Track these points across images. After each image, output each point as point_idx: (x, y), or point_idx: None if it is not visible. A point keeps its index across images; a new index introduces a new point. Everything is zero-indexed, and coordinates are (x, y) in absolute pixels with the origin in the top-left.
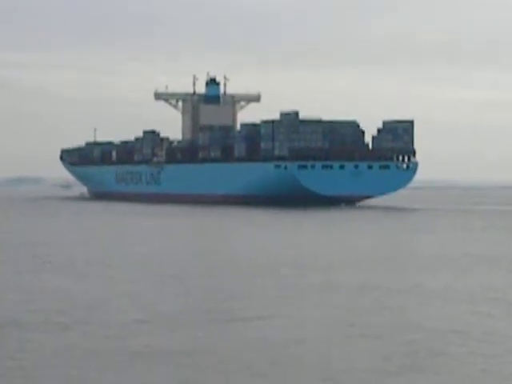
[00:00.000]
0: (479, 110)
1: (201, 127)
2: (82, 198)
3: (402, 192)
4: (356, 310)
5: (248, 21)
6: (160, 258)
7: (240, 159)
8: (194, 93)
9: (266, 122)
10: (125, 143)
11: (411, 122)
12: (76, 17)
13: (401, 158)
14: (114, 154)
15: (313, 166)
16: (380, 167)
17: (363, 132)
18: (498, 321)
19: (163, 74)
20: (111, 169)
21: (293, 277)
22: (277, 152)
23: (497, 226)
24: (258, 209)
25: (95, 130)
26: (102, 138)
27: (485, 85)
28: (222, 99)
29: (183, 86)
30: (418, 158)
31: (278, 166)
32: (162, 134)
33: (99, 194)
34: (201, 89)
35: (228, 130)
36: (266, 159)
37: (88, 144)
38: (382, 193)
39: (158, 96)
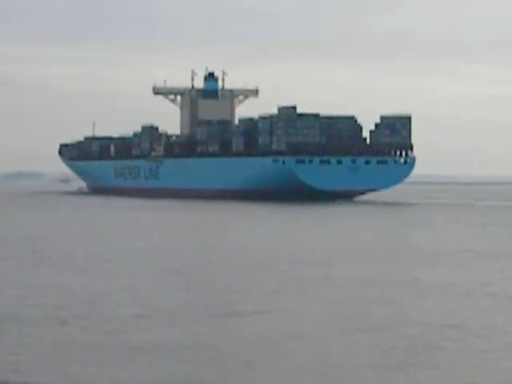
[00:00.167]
0: (480, 105)
1: (199, 122)
2: (80, 192)
3: (400, 187)
4: (354, 305)
5: (247, 17)
6: (159, 253)
7: (238, 154)
8: (193, 87)
9: (263, 117)
10: (123, 138)
11: (409, 117)
12: (76, 11)
13: (398, 152)
14: (112, 148)
15: (310, 161)
16: (378, 162)
17: (361, 127)
18: (496, 315)
19: (162, 69)
20: (110, 163)
21: (291, 271)
22: (275, 147)
23: (496, 222)
24: (255, 203)
25: (94, 124)
26: (101, 132)
27: (486, 80)
28: (220, 94)
29: (182, 80)
30: (419, 153)
31: (275, 161)
32: (161, 129)
33: (98, 189)
34: (199, 83)
35: (226, 124)
36: (263, 154)
37: (87, 139)
38: (380, 188)
39: (157, 91)
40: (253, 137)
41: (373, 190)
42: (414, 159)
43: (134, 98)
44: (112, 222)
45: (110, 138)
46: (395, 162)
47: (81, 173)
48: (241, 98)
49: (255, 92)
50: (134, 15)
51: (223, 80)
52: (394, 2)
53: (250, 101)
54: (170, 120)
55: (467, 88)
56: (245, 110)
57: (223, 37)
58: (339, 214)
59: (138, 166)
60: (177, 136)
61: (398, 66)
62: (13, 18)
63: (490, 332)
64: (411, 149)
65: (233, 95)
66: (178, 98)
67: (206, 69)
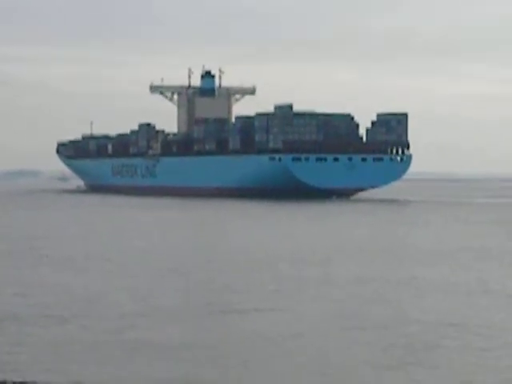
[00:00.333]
0: (480, 104)
1: (196, 120)
2: (78, 190)
3: (397, 184)
4: (353, 303)
5: (247, 17)
6: (158, 252)
7: (235, 152)
8: (190, 86)
9: (260, 115)
10: (120, 136)
11: (405, 115)
12: (76, 11)
13: (395, 150)
14: (109, 147)
15: (307, 159)
16: (374, 160)
17: (357, 125)
18: (495, 313)
19: (162, 68)
20: (107, 162)
21: (290, 269)
22: (271, 145)
23: (493, 219)
24: (252, 201)
25: (92, 123)
26: (100, 131)
27: (485, 79)
28: (217, 92)
29: (179, 78)
30: (418, 151)
31: (272, 159)
32: (158, 127)
33: (95, 187)
34: (196, 82)
35: (223, 122)
36: (260, 152)
37: (84, 137)
38: (376, 185)
39: (154, 89)
40: (249, 135)
41: (369, 187)
42: (410, 157)
43: (132, 98)
44: (110, 220)
45: (107, 137)
46: (391, 159)
47: (78, 171)
48: (238, 96)
49: (252, 90)
50: (133, 15)
51: (220, 78)
52: (394, 2)
53: (248, 99)
54: (168, 118)
55: (467, 88)
56: (242, 109)
57: (223, 37)
58: (336, 211)
59: (135, 164)
60: (174, 134)
61: (398, 65)
62: (13, 17)
63: (489, 330)
64: (407, 147)
65: (230, 93)
66: (175, 96)
67: (203, 67)
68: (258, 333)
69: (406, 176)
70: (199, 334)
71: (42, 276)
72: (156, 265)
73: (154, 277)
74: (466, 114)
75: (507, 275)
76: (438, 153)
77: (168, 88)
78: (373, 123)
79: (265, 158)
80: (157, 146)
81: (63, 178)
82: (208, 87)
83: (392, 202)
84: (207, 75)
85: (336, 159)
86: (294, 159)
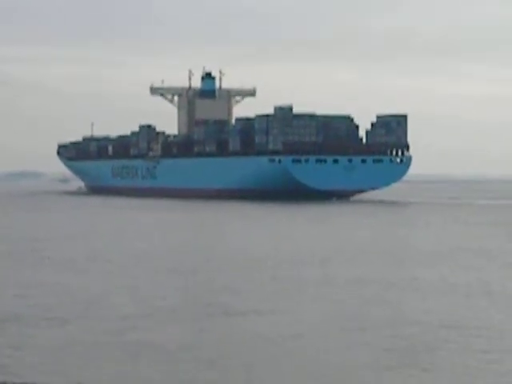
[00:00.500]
0: (480, 104)
1: (196, 122)
2: (79, 192)
3: (397, 186)
4: (353, 304)
5: (247, 17)
6: (158, 253)
7: (235, 153)
8: (190, 87)
9: (260, 117)
10: (121, 138)
11: (404, 116)
12: (76, 11)
13: (394, 152)
14: (110, 148)
15: (306, 160)
16: (373, 161)
17: (357, 126)
18: (494, 315)
19: (162, 69)
20: (108, 163)
21: (290, 270)
22: (271, 146)
23: (493, 221)
24: (252, 203)
25: (92, 124)
26: (100, 132)
27: (486, 80)
28: (217, 94)
29: (179, 80)
30: (418, 152)
31: (272, 160)
32: (159, 129)
33: (96, 189)
34: (196, 83)
35: (223, 124)
36: (260, 153)
37: (85, 139)
38: (376, 187)
39: (154, 91)
40: (249, 136)
41: (369, 189)
42: (410, 158)
43: (133, 99)
44: (111, 222)
45: (107, 138)
46: (391, 161)
47: (79, 173)
48: (238, 98)
49: (252, 92)
50: (133, 16)
51: (220, 80)
52: (394, 2)
53: (248, 101)
54: (168, 120)
55: (467, 88)
56: (242, 110)
57: (223, 37)
58: (336, 213)
59: (136, 165)
60: (174, 136)
61: (398, 65)
62: (12, 18)
63: (489, 332)
64: (407, 148)
65: (230, 95)
66: (176, 97)
67: (204, 68)
68: (259, 334)
69: (405, 177)
70: (199, 336)
71: (43, 277)
72: (156, 266)
73: (154, 278)
74: (465, 115)
75: (507, 276)
76: (438, 154)
77: (168, 90)
78: (372, 125)
79: (265, 159)
80: (157, 148)
81: (64, 180)
82: (208, 89)
83: (392, 203)
84: (207, 77)
85: (336, 161)
86: (293, 161)
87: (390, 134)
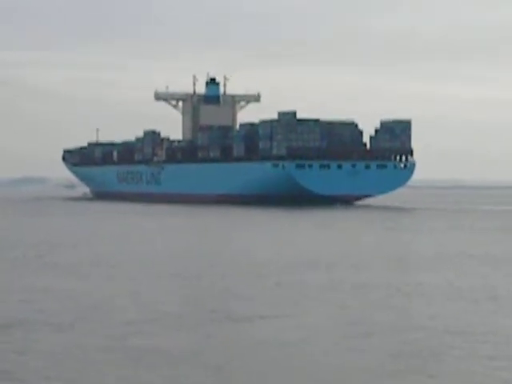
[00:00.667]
0: (481, 107)
1: (200, 127)
2: (84, 198)
3: (400, 191)
4: (358, 310)
5: (248, 19)
6: (162, 258)
7: (239, 159)
8: (194, 93)
9: (264, 122)
10: (126, 143)
11: (409, 122)
12: (77, 16)
13: (398, 157)
14: (115, 154)
15: (310, 166)
16: (377, 167)
17: (361, 132)
18: (501, 320)
19: (164, 72)
20: (113, 169)
21: (294, 276)
22: (275, 151)
23: (498, 226)
24: (256, 208)
25: (98, 130)
26: (105, 137)
27: (486, 82)
28: (221, 99)
29: (183, 86)
30: (419, 156)
31: (275, 166)
32: (163, 134)
33: (101, 194)
34: (201, 89)
35: (227, 130)
36: (264, 159)
37: (90, 144)
38: (380, 192)
39: (158, 96)
40: (253, 142)
41: (373, 194)
42: (413, 164)
43: (136, 104)
44: (115, 227)
45: (112, 144)
46: (395, 166)
47: (84, 178)
48: (242, 103)
49: (257, 97)
50: (134, 19)
51: (225, 85)
52: (394, 2)
53: (252, 106)
54: (173, 125)
55: (467, 89)
56: (247, 116)
57: (223, 39)
58: (340, 218)
59: (140, 171)
60: (178, 141)
61: (398, 66)
62: (13, 22)
63: (495, 337)
64: (411, 153)
65: (234, 101)
66: (180, 103)
67: (208, 74)
68: (264, 339)
69: (409, 183)
70: (204, 341)
71: (47, 282)
72: (160, 271)
73: (158, 283)
74: (465, 116)
75: None
76: (440, 156)
77: (173, 95)
78: (376, 130)
79: (268, 164)
80: (162, 153)
81: (70, 186)
82: (213, 94)
83: (396, 208)
84: (212, 82)
85: (340, 166)
86: (297, 166)
87: (394, 140)
